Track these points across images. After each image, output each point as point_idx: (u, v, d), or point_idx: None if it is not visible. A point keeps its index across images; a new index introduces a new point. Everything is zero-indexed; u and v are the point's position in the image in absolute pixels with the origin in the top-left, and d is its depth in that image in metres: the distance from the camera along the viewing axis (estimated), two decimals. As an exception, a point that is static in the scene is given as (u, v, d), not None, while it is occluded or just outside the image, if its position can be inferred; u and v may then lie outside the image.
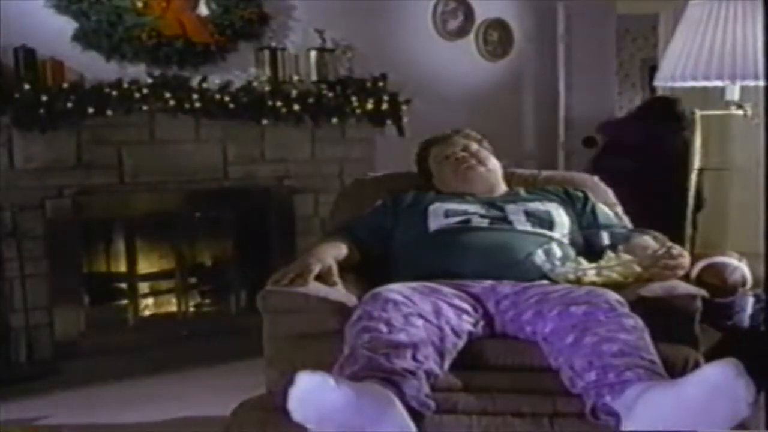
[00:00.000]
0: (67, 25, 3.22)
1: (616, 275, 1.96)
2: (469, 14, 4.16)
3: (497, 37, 4.25)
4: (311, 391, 1.42)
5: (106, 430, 2.68)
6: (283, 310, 1.95)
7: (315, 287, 1.95)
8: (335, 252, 2.12)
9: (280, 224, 3.70)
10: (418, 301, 1.76)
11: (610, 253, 2.06)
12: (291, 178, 3.67)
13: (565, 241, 2.16)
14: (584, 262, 2.04)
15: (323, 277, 1.98)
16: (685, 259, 2.00)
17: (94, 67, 3.23)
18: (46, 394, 2.97)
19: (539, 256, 2.02)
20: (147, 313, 3.69)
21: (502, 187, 2.47)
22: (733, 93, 2.84)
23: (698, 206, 3.19)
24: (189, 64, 3.43)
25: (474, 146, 2.48)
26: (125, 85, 3.19)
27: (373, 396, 1.47)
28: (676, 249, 2.00)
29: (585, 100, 4.43)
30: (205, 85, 3.36)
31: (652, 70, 4.56)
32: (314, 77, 3.62)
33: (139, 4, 3.31)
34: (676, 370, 1.67)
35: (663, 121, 3.98)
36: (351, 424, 1.43)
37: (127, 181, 3.35)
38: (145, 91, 3.22)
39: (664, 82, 2.94)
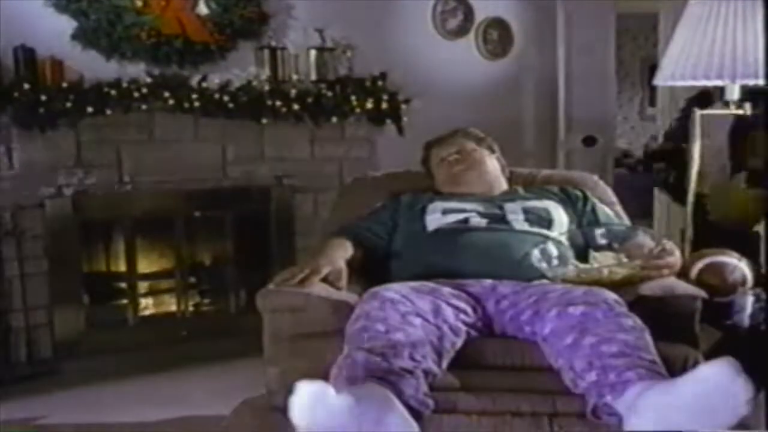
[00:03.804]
0: (67, 24, 3.21)
1: (612, 274, 1.96)
2: (468, 13, 4.16)
3: (497, 36, 4.25)
4: (311, 401, 1.42)
5: (106, 430, 2.68)
6: (283, 309, 1.95)
7: (316, 287, 1.95)
8: (344, 253, 2.11)
9: (280, 224, 3.69)
10: (416, 300, 1.76)
11: (607, 253, 2.06)
12: (290, 178, 3.67)
13: (563, 239, 2.16)
14: (580, 262, 2.04)
15: (331, 280, 1.98)
16: (673, 258, 1.99)
17: (94, 66, 3.22)
18: (46, 394, 2.98)
19: (535, 256, 2.02)
20: (147, 312, 3.69)
21: (503, 186, 2.47)
22: (733, 92, 2.83)
23: None
24: (188, 63, 3.43)
25: (470, 146, 2.47)
26: (124, 85, 3.19)
27: (373, 399, 1.47)
28: (669, 246, 2.00)
29: (585, 99, 4.42)
30: (204, 84, 3.35)
31: (652, 69, 4.55)
32: (314, 76, 3.61)
33: (139, 3, 3.30)
34: (676, 369, 1.67)
35: None
36: (354, 430, 1.43)
37: (126, 180, 3.35)
38: (144, 90, 3.21)
39: (664, 81, 2.94)
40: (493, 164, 2.48)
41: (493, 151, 2.53)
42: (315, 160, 3.70)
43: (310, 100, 3.54)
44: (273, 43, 3.55)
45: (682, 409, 1.43)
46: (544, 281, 1.99)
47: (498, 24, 4.25)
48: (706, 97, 3.97)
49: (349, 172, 3.55)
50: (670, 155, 4.07)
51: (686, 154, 3.88)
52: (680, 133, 4.01)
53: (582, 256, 2.10)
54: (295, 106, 3.50)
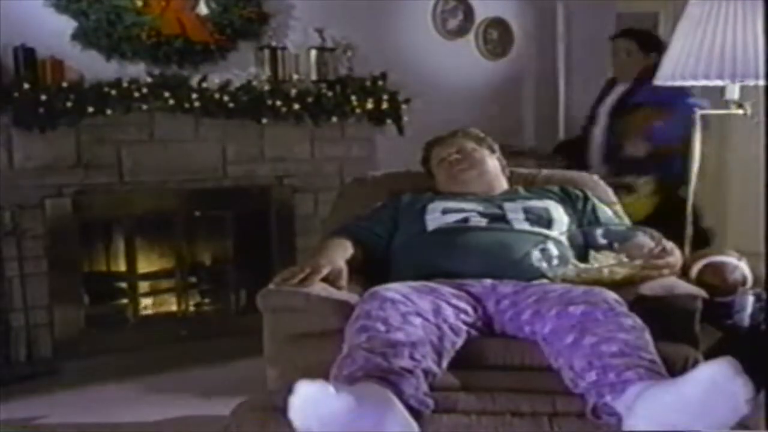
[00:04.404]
0: (67, 24, 3.21)
1: (613, 274, 1.96)
2: (468, 13, 4.16)
3: (497, 36, 4.25)
4: (311, 401, 1.42)
5: (106, 430, 2.68)
6: (284, 309, 1.95)
7: (317, 287, 1.95)
8: (344, 253, 2.12)
9: (280, 223, 3.69)
10: (416, 300, 1.76)
11: (607, 252, 2.06)
12: (291, 178, 3.67)
13: (564, 239, 2.16)
14: (580, 262, 2.04)
15: (331, 280, 1.98)
16: (673, 258, 1.99)
17: (94, 66, 3.22)
18: (46, 394, 2.97)
19: (535, 255, 2.02)
20: (147, 312, 3.69)
21: (503, 185, 2.47)
22: (733, 92, 2.83)
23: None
24: (188, 63, 3.43)
25: (470, 146, 2.47)
26: (125, 84, 3.19)
27: (373, 399, 1.47)
28: (669, 246, 2.00)
29: (585, 99, 4.41)
30: (204, 84, 3.35)
31: (652, 69, 4.55)
32: (314, 76, 3.61)
33: (139, 3, 3.30)
34: (676, 369, 1.67)
35: None
36: (354, 430, 1.43)
37: (126, 180, 3.35)
38: (144, 90, 3.22)
39: (664, 81, 2.94)
40: (493, 164, 2.48)
41: (493, 151, 2.53)
42: (315, 160, 3.70)
43: (310, 100, 3.54)
44: (273, 43, 3.55)
45: (681, 409, 1.43)
46: (545, 281, 1.99)
47: (498, 24, 4.25)
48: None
49: (349, 172, 3.55)
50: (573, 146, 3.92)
51: (586, 144, 3.76)
52: (588, 123, 3.87)
53: (582, 255, 2.11)
54: (296, 106, 3.50)
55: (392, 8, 3.95)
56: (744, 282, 2.25)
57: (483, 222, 2.18)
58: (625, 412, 1.50)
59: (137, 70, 3.31)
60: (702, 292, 1.92)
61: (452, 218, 2.20)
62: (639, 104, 3.48)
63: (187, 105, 3.31)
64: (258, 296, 1.95)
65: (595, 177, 2.65)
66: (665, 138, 3.37)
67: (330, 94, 3.58)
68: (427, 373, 1.61)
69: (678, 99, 3.27)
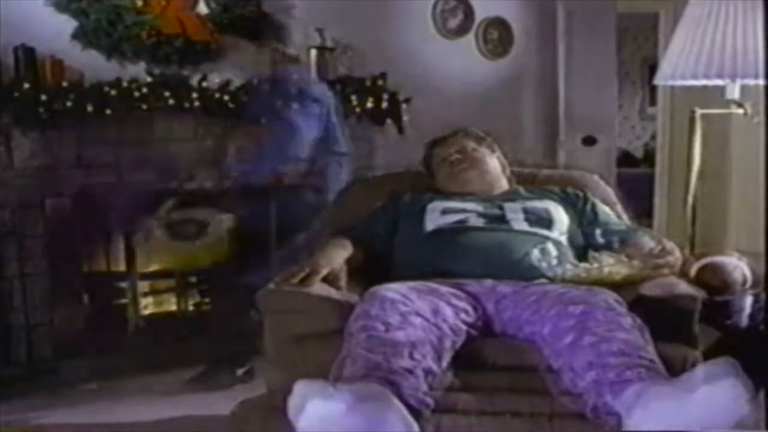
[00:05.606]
0: (67, 24, 3.21)
1: (612, 274, 1.96)
2: (469, 13, 4.16)
3: (497, 36, 4.25)
4: (311, 401, 1.42)
5: (106, 430, 2.68)
6: (284, 309, 1.95)
7: (317, 287, 1.95)
8: (343, 253, 2.12)
9: (280, 223, 3.68)
10: (415, 300, 1.76)
11: (607, 252, 2.06)
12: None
13: (563, 239, 2.16)
14: (580, 262, 2.04)
15: (330, 280, 1.98)
16: (673, 258, 1.99)
17: (94, 65, 3.22)
18: (46, 394, 2.98)
19: (535, 256, 2.02)
20: (147, 312, 3.68)
21: (503, 185, 2.47)
22: (734, 92, 2.84)
23: None
24: (188, 63, 3.43)
25: (471, 146, 2.47)
26: (125, 84, 3.19)
27: (373, 399, 1.47)
28: (669, 246, 2.00)
29: (585, 99, 4.42)
30: (204, 83, 3.36)
31: (652, 69, 4.55)
32: (314, 76, 3.61)
33: (139, 3, 3.31)
34: (675, 369, 1.67)
35: None
36: (353, 429, 1.43)
37: (126, 180, 3.35)
38: (144, 90, 3.22)
39: (664, 80, 2.95)
40: (493, 164, 2.48)
41: (493, 151, 2.53)
42: (315, 159, 3.69)
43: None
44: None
45: (681, 409, 1.43)
46: (544, 281, 1.99)
47: (498, 23, 4.25)
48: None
49: (349, 172, 3.54)
50: None
51: None
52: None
53: (582, 255, 2.11)
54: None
55: (392, 8, 3.95)
56: (744, 282, 2.25)
57: (481, 222, 2.18)
58: (624, 411, 1.51)
59: (137, 69, 3.31)
60: (701, 292, 1.92)
61: (451, 218, 2.20)
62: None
63: (187, 105, 3.31)
64: (258, 296, 1.95)
65: (596, 177, 2.65)
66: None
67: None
68: (426, 372, 1.62)
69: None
